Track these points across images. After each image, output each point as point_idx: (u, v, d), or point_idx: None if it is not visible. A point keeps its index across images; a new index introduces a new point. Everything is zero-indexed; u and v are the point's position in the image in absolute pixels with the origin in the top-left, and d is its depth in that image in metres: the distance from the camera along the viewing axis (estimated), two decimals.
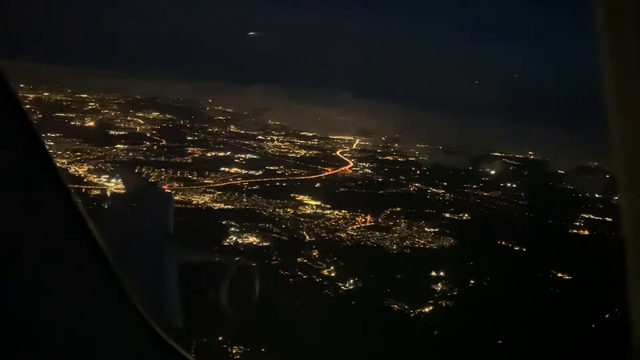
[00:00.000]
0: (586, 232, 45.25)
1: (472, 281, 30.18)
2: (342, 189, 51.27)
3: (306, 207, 42.60)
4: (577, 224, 47.41)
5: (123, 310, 1.60)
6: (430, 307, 26.50)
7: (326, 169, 61.94)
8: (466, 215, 45.11)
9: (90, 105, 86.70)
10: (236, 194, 43.07)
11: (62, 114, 70.91)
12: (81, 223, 1.44)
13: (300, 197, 44.94)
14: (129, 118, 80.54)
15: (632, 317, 1.30)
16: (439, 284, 29.14)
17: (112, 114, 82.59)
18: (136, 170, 45.30)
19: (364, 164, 68.64)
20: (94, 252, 1.48)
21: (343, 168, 64.60)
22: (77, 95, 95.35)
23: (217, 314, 2.61)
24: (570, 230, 45.09)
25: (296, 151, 72.67)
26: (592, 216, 50.26)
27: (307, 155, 70.97)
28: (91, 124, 70.23)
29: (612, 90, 1.17)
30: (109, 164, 46.48)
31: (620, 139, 1.19)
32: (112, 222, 3.06)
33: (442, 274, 30.20)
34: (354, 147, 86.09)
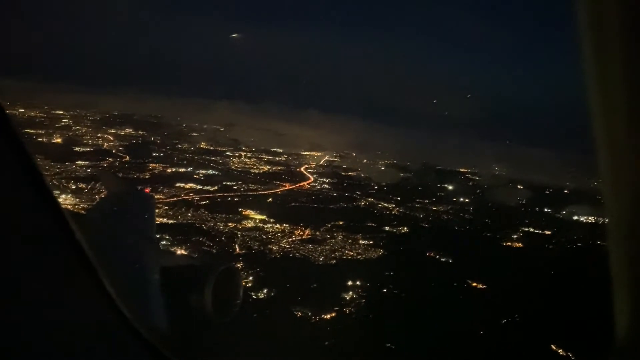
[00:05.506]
0: (520, 245, 47.24)
1: (384, 290, 31.97)
2: (293, 204, 52.85)
3: (249, 221, 44.05)
4: (515, 236, 49.40)
5: (109, 315, 1.61)
6: (333, 314, 28.23)
7: (284, 184, 63.62)
8: (405, 228, 46.94)
9: (64, 122, 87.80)
10: (183, 209, 44.50)
11: (32, 131, 71.34)
12: (67, 230, 1.45)
13: (247, 212, 46.53)
14: (99, 134, 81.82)
15: (615, 315, 1.35)
16: (350, 293, 30.90)
17: (84, 130, 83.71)
18: (89, 186, 47.05)
19: (324, 179, 70.50)
20: (79, 258, 1.49)
21: (301, 183, 66.23)
22: (52, 112, 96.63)
23: (201, 317, 2.63)
24: (504, 243, 46.99)
25: (261, 167, 74.21)
26: (532, 229, 52.64)
27: (271, 171, 72.62)
28: (58, 140, 71.21)
29: (597, 106, 1.23)
30: (63, 180, 47.98)
31: (605, 154, 1.26)
32: (95, 227, 3.10)
33: (357, 283, 31.97)
34: (321, 162, 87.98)
